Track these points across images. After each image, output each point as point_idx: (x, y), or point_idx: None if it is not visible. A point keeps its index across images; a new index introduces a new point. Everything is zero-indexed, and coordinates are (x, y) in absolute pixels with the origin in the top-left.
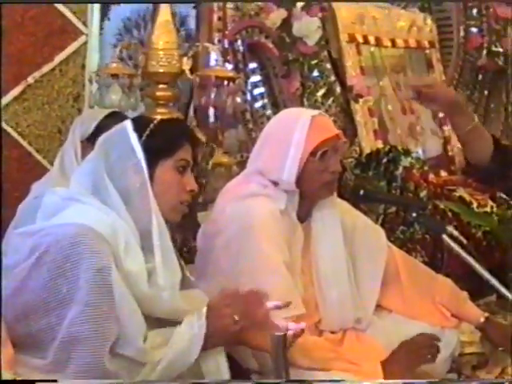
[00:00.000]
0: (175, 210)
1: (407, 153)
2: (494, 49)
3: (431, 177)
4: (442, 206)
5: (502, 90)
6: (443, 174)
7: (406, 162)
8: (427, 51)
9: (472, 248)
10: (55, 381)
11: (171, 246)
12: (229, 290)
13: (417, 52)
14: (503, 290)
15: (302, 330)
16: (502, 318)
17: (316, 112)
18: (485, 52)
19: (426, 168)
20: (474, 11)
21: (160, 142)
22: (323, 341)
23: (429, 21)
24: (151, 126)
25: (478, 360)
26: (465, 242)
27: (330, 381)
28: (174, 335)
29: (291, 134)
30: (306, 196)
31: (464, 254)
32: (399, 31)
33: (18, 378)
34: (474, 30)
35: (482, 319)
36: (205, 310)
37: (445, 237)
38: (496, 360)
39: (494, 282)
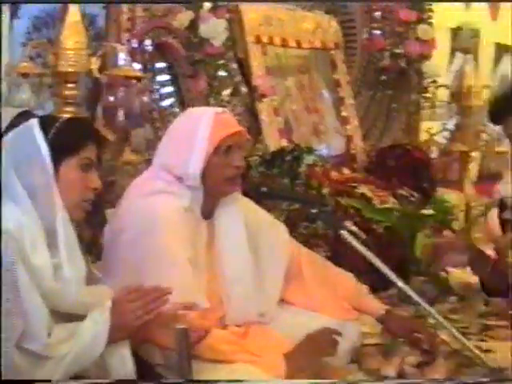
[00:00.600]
0: (78, 207)
1: (310, 151)
2: (396, 51)
3: (334, 174)
4: (344, 203)
5: (404, 91)
6: (346, 171)
7: (309, 159)
8: (332, 52)
9: (373, 243)
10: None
11: (76, 242)
12: (133, 286)
13: (322, 53)
14: (400, 283)
15: (206, 331)
16: (402, 310)
17: (220, 109)
18: (387, 54)
19: (328, 166)
20: (378, 14)
21: (65, 140)
22: (228, 334)
23: (333, 23)
24: (57, 124)
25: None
26: (363, 237)
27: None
28: (79, 330)
29: (196, 129)
30: (211, 192)
31: (362, 249)
32: (304, 33)
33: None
34: (378, 32)
35: (382, 312)
36: (108, 304)
37: (344, 232)
38: (396, 351)
39: (391, 275)
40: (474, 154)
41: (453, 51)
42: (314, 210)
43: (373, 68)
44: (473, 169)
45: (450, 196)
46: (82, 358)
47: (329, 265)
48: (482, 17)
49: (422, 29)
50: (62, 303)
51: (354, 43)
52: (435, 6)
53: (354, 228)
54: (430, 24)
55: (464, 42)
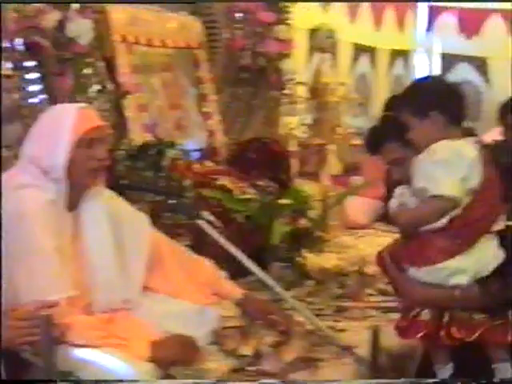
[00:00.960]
0: None
1: (173, 145)
2: (256, 50)
3: (196, 167)
4: (205, 194)
5: (264, 88)
6: (208, 164)
7: (171, 153)
8: (195, 51)
9: (234, 232)
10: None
11: None
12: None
13: (186, 52)
14: (255, 269)
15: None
16: (262, 295)
17: (83, 105)
18: (248, 53)
19: (191, 159)
20: (239, 16)
21: None
22: (94, 320)
23: (197, 23)
24: None
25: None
26: (219, 225)
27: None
28: None
29: (59, 123)
30: (75, 185)
31: (218, 237)
32: (169, 33)
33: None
34: (239, 32)
35: (240, 296)
36: None
37: (200, 222)
38: (254, 332)
39: (247, 261)
40: (330, 146)
41: (311, 50)
42: (172, 201)
43: (234, 66)
44: (331, 161)
45: (306, 187)
46: None
47: (189, 253)
48: (340, 18)
49: (280, 29)
50: None
51: (217, 43)
52: (293, 7)
53: (211, 217)
54: (289, 25)
55: (321, 41)
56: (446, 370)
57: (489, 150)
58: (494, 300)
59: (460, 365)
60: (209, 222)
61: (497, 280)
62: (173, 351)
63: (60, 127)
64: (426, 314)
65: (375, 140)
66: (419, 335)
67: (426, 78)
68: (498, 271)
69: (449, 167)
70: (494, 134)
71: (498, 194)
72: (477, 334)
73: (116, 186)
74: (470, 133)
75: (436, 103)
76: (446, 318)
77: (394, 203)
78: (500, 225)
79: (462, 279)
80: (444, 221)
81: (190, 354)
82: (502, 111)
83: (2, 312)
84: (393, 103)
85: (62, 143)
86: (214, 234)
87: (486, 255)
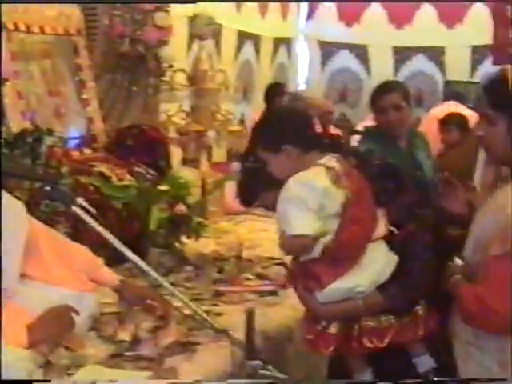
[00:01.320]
0: None
1: (51, 132)
2: (135, 37)
3: (74, 154)
4: (83, 181)
5: (143, 75)
6: (87, 151)
7: (49, 140)
8: (74, 38)
9: (113, 218)
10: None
11: None
12: None
13: (64, 39)
14: (130, 254)
15: None
16: (141, 281)
17: None
18: (127, 40)
19: (68, 146)
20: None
21: None
22: None
23: (76, 10)
24: None
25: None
26: (94, 211)
27: None
28: None
29: None
30: None
31: (93, 223)
32: (48, 19)
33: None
34: (118, 19)
35: (117, 282)
36: None
37: (75, 208)
38: (131, 318)
39: (121, 247)
40: (209, 133)
41: (191, 38)
42: (47, 188)
43: (113, 53)
44: (214, 148)
45: (184, 173)
46: None
47: (66, 240)
48: (224, 6)
49: (159, 16)
50: None
51: (96, 29)
52: None
53: (85, 204)
54: (168, 12)
55: (200, 29)
56: (365, 375)
57: (353, 157)
58: (396, 301)
59: (379, 367)
60: (84, 208)
61: (394, 282)
62: (49, 326)
63: None
64: (334, 327)
65: (249, 197)
66: (330, 349)
67: (276, 111)
68: (393, 273)
69: (301, 204)
70: (367, 122)
71: (371, 200)
72: (387, 340)
73: None
74: (333, 145)
75: (286, 137)
76: (355, 330)
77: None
78: (383, 229)
79: (361, 291)
80: (318, 250)
81: (65, 323)
82: (374, 96)
83: None
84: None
85: None
86: (90, 220)
87: (379, 263)
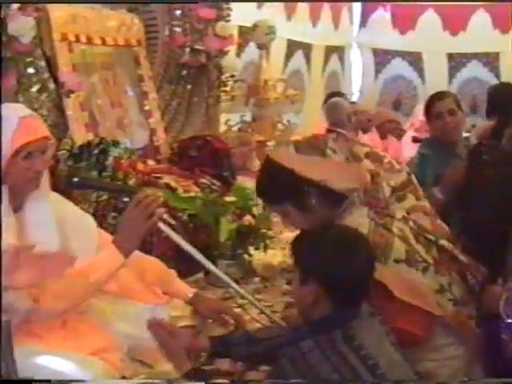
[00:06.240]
0: None
1: (116, 144)
2: (196, 47)
3: (139, 165)
4: None
5: (204, 85)
6: (151, 162)
7: (115, 152)
8: (135, 49)
9: (179, 231)
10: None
11: None
12: None
13: (125, 50)
14: (211, 266)
15: None
16: (210, 292)
17: (26, 112)
18: (188, 50)
19: (134, 157)
20: (178, 12)
21: None
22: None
23: (136, 21)
24: None
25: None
26: (174, 223)
27: None
28: None
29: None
30: (13, 190)
31: (175, 236)
32: (109, 30)
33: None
34: (178, 29)
35: (191, 295)
36: None
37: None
38: (206, 331)
39: (202, 259)
40: (270, 143)
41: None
42: (126, 199)
43: (174, 64)
44: None
45: (249, 183)
46: None
47: (137, 252)
48: (275, 15)
49: (220, 26)
50: None
51: (156, 40)
52: (233, 4)
53: (166, 216)
54: (229, 21)
55: (260, 38)
56: None
57: None
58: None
59: None
60: (163, 220)
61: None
62: (132, 225)
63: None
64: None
65: None
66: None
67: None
68: None
69: None
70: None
71: None
72: None
73: (65, 185)
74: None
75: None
76: None
77: None
78: None
79: None
80: None
81: (145, 217)
82: (428, 104)
83: None
84: None
85: None
86: (171, 233)
87: None
